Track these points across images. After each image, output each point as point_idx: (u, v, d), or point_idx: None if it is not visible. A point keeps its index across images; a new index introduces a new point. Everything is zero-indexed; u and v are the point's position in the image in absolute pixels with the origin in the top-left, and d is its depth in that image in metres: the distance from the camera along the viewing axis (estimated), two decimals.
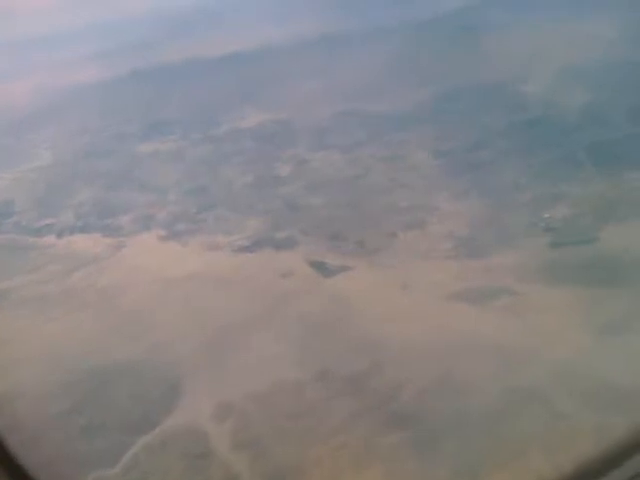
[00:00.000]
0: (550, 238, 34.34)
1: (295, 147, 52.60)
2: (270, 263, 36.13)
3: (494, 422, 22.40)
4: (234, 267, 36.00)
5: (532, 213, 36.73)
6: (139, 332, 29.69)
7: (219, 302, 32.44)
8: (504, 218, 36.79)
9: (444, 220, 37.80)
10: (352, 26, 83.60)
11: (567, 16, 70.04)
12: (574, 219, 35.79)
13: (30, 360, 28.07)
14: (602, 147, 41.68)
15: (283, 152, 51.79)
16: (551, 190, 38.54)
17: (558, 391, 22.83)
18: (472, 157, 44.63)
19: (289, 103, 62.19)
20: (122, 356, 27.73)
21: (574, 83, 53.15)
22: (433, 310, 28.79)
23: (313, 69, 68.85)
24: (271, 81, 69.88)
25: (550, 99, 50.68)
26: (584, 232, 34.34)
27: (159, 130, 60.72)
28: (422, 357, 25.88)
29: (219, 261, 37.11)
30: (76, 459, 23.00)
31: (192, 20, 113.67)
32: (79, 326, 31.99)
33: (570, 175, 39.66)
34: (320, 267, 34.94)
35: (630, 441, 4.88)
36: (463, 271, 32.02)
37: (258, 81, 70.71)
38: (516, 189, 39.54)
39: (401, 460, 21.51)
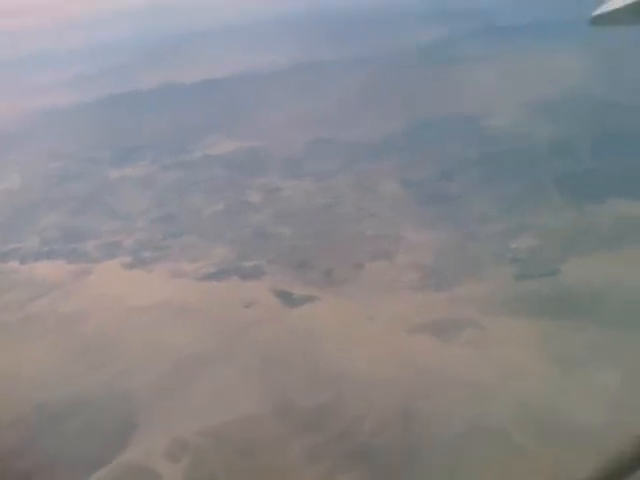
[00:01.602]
0: (516, 269, 34.46)
1: (266, 175, 52.49)
2: (235, 292, 35.67)
3: (453, 456, 22.12)
4: (198, 295, 35.44)
5: (498, 244, 36.89)
6: (98, 362, 28.97)
7: (181, 331, 31.83)
8: (471, 249, 36.91)
9: (411, 251, 37.76)
10: (327, 56, 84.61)
11: (537, 49, 71.69)
12: (539, 250, 36.02)
13: None
14: (567, 180, 42.31)
15: (254, 180, 51.63)
16: (517, 221, 38.83)
17: (518, 425, 22.65)
18: (441, 188, 44.93)
19: (262, 130, 62.30)
20: (78, 387, 26.94)
21: (541, 116, 54.18)
22: (397, 342, 28.52)
23: (287, 97, 69.28)
24: (245, 108, 70.13)
25: (518, 132, 51.47)
26: (549, 264, 34.55)
27: (130, 155, 60.28)
28: (384, 390, 25.54)
29: (183, 289, 36.52)
30: None
31: (171, 46, 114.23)
32: (36, 355, 31.10)
33: (536, 207, 40.08)
34: (285, 297, 34.56)
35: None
36: (428, 303, 31.88)
37: (232, 108, 70.91)
38: (483, 220, 39.77)
39: None
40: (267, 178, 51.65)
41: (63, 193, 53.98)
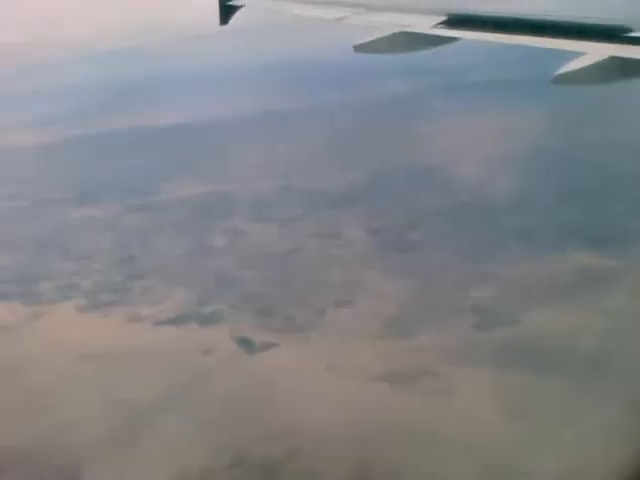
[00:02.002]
0: (476, 319, 34.53)
1: (231, 219, 52.20)
2: (193, 338, 34.87)
3: None
4: (154, 341, 34.52)
5: (459, 293, 37.05)
6: (40, 412, 27.68)
7: (134, 379, 30.81)
8: (432, 297, 36.99)
9: (373, 298, 37.66)
10: (296, 105, 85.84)
11: (501, 105, 74.00)
12: (499, 300, 36.26)
13: None
14: (527, 231, 43.02)
15: (218, 224, 51.27)
16: (478, 271, 39.17)
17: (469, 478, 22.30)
18: (404, 236, 45.24)
19: (229, 175, 62.28)
20: (15, 441, 25.60)
21: (502, 169, 55.46)
22: (356, 392, 28.09)
23: (254, 143, 69.63)
24: (213, 153, 70.19)
25: (479, 184, 52.48)
26: (509, 314, 34.76)
27: (93, 196, 59.38)
28: (342, 443, 25.00)
29: (139, 335, 35.56)
30: None
31: (145, 89, 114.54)
32: None
33: (496, 257, 40.54)
34: (245, 344, 33.90)
35: None
36: (389, 352, 31.64)
37: (200, 152, 70.94)
38: (444, 269, 39.99)
39: None
40: (232, 222, 51.37)
41: (20, 234, 52.65)
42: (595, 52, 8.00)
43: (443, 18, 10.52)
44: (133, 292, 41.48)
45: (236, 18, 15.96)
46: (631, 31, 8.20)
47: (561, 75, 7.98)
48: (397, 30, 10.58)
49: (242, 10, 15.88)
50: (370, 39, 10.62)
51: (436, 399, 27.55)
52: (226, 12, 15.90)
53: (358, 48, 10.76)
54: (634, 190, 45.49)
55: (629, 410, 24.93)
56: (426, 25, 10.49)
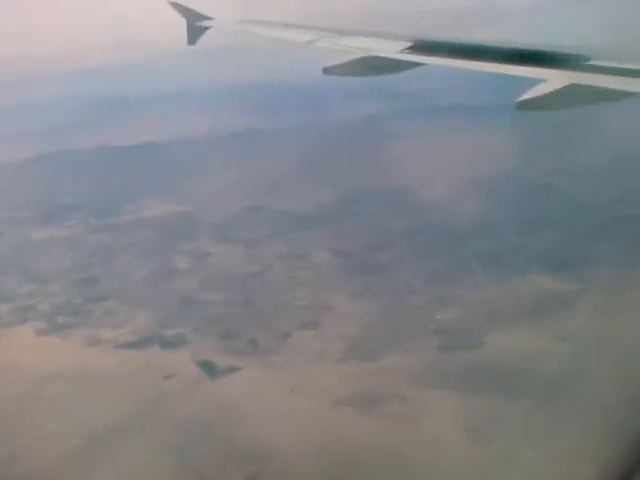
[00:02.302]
0: (440, 341, 34.68)
1: (197, 240, 51.70)
2: (155, 362, 34.17)
3: None
4: (115, 365, 33.71)
5: (424, 316, 37.19)
6: None
7: (94, 404, 29.96)
8: (397, 320, 37.02)
9: (339, 321, 37.52)
10: (267, 125, 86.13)
11: (468, 129, 75.24)
12: (464, 323, 36.48)
13: None
14: (492, 254, 43.55)
15: (183, 245, 50.71)
16: (443, 294, 39.42)
17: None
18: (370, 258, 45.37)
19: (196, 196, 61.82)
20: None
21: (469, 193, 56.24)
22: (319, 416, 27.76)
23: (224, 163, 69.50)
24: (181, 172, 69.68)
25: (445, 206, 53.11)
26: (473, 337, 34.99)
27: (56, 216, 58.28)
28: (304, 467, 24.58)
29: (100, 358, 34.71)
30: None
31: (112, 108, 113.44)
32: None
33: (461, 280, 40.88)
34: (208, 367, 33.35)
35: None
36: (353, 374, 31.46)
37: (168, 172, 70.33)
38: (410, 291, 40.18)
39: None
40: (196, 243, 50.87)
41: None
42: (556, 79, 8.22)
43: (410, 44, 10.71)
44: (94, 314, 40.54)
45: (205, 38, 15.97)
46: (590, 59, 8.47)
47: (524, 101, 8.18)
48: (365, 54, 10.74)
49: (211, 31, 15.92)
50: (339, 62, 10.75)
51: (399, 422, 27.41)
52: (194, 32, 15.92)
53: (327, 71, 10.88)
54: (593, 214, 46.65)
55: (588, 431, 25.15)
56: (394, 50, 10.67)
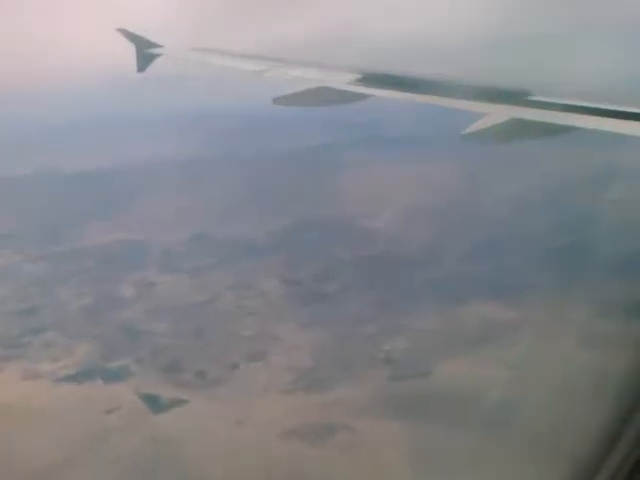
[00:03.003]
0: (388, 371, 34.78)
1: (142, 269, 50.56)
2: (96, 395, 32.94)
3: None
4: (53, 400, 32.30)
5: (372, 345, 37.27)
6: None
7: (30, 441, 28.51)
8: (345, 350, 36.95)
9: (287, 351, 37.18)
10: (216, 153, 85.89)
11: (414, 158, 76.57)
12: (411, 352, 36.73)
13: None
14: (438, 283, 44.17)
15: (127, 274, 49.47)
16: (390, 323, 39.64)
17: None
18: (319, 288, 45.36)
19: (141, 223, 60.72)
20: None
21: (417, 222, 57.16)
22: (265, 449, 27.22)
23: (171, 191, 68.54)
24: (126, 200, 68.38)
25: (392, 235, 53.84)
26: (420, 366, 35.22)
27: None
28: None
29: (37, 393, 33.19)
30: None
31: (53, 133, 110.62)
32: None
33: (407, 309, 41.25)
34: (152, 401, 32.36)
35: None
36: (301, 406, 31.10)
37: (113, 199, 68.97)
38: (357, 321, 40.24)
39: None
40: (141, 272, 49.73)
41: None
42: (498, 113, 8.52)
43: (359, 76, 10.92)
44: (32, 346, 38.84)
45: (154, 66, 15.86)
46: (530, 95, 8.82)
47: (469, 133, 8.46)
48: (315, 85, 10.88)
49: (161, 58, 15.83)
50: (289, 92, 10.85)
51: (348, 453, 27.14)
52: (144, 60, 15.79)
53: (277, 101, 10.98)
54: (533, 243, 48.12)
55: (535, 456, 25.47)
56: (343, 81, 10.85)
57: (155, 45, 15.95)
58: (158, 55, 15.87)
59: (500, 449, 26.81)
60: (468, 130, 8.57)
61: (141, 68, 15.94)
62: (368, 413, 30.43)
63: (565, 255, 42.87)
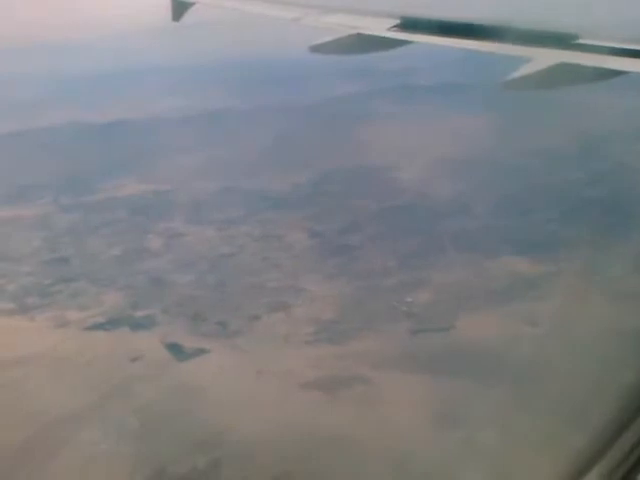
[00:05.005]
0: (410, 324, 34.57)
1: (170, 221, 50.98)
2: (122, 344, 33.70)
3: None
4: (81, 347, 33.20)
5: (395, 298, 37.02)
6: None
7: (55, 389, 29.51)
8: (368, 302, 36.82)
9: (310, 303, 37.26)
10: (242, 105, 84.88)
11: (450, 109, 74.37)
12: (434, 305, 36.38)
13: None
14: (464, 236, 43.38)
15: (156, 225, 50.00)
16: (414, 275, 39.24)
17: None
18: (343, 240, 45.04)
19: (170, 175, 60.91)
20: None
21: (445, 174, 55.91)
22: (284, 400, 27.54)
23: (198, 143, 68.36)
24: (155, 152, 68.44)
25: (420, 187, 52.82)
26: (443, 319, 34.91)
27: (25, 194, 57.14)
28: (266, 453, 24.40)
29: (66, 340, 34.17)
30: None
31: (85, 85, 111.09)
32: None
33: (433, 261, 40.71)
34: (175, 350, 33.00)
35: None
36: (321, 358, 31.25)
37: (141, 151, 69.08)
38: (381, 273, 39.96)
39: None
40: (170, 223, 50.16)
41: None
42: (544, 58, 7.94)
43: (397, 21, 10.37)
44: (62, 295, 39.87)
45: (189, 14, 15.45)
46: (578, 38, 8.16)
47: (511, 81, 7.96)
48: (352, 32, 10.45)
49: (195, 7, 15.40)
50: (326, 40, 10.49)
51: (366, 406, 27.26)
52: (179, 8, 15.38)
53: (314, 49, 10.65)
54: (567, 196, 46.59)
55: (557, 417, 25.15)
56: (380, 28, 10.35)
57: None
58: (193, 3, 15.40)
59: (521, 406, 26.50)
60: (511, 77, 8.02)
61: (176, 17, 15.52)
62: (387, 365, 30.40)
63: (596, 208, 41.43)
